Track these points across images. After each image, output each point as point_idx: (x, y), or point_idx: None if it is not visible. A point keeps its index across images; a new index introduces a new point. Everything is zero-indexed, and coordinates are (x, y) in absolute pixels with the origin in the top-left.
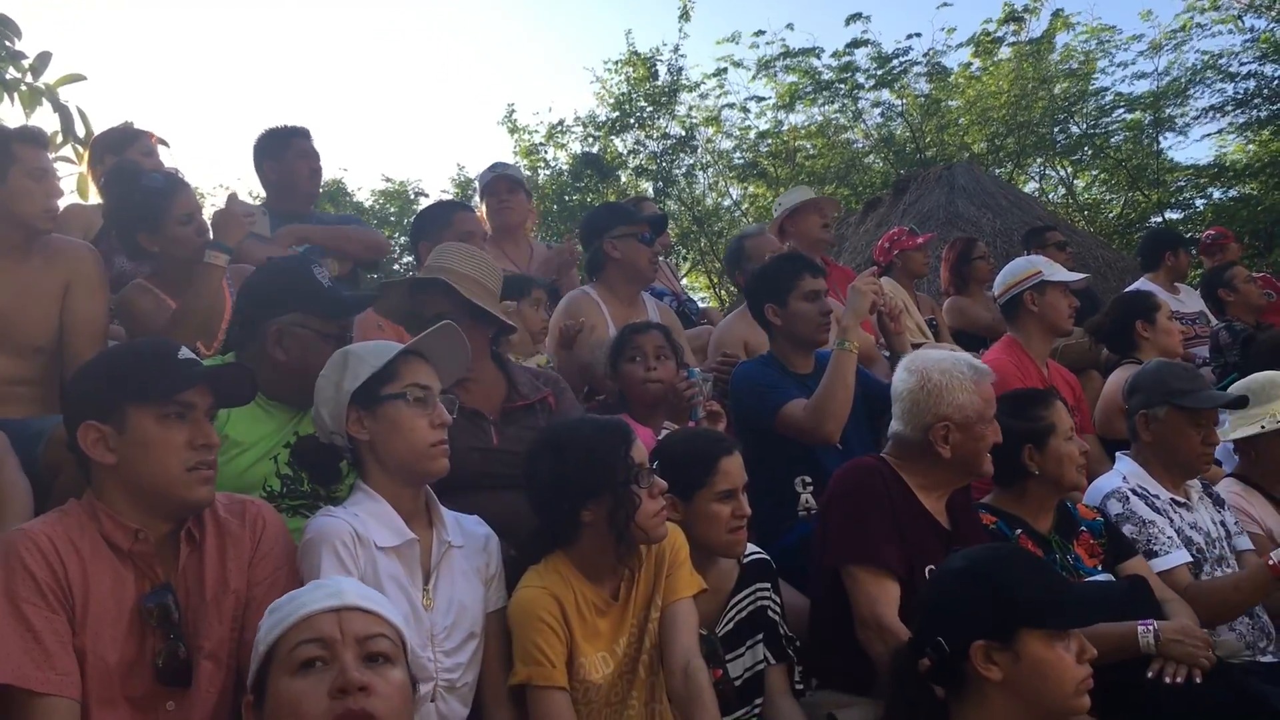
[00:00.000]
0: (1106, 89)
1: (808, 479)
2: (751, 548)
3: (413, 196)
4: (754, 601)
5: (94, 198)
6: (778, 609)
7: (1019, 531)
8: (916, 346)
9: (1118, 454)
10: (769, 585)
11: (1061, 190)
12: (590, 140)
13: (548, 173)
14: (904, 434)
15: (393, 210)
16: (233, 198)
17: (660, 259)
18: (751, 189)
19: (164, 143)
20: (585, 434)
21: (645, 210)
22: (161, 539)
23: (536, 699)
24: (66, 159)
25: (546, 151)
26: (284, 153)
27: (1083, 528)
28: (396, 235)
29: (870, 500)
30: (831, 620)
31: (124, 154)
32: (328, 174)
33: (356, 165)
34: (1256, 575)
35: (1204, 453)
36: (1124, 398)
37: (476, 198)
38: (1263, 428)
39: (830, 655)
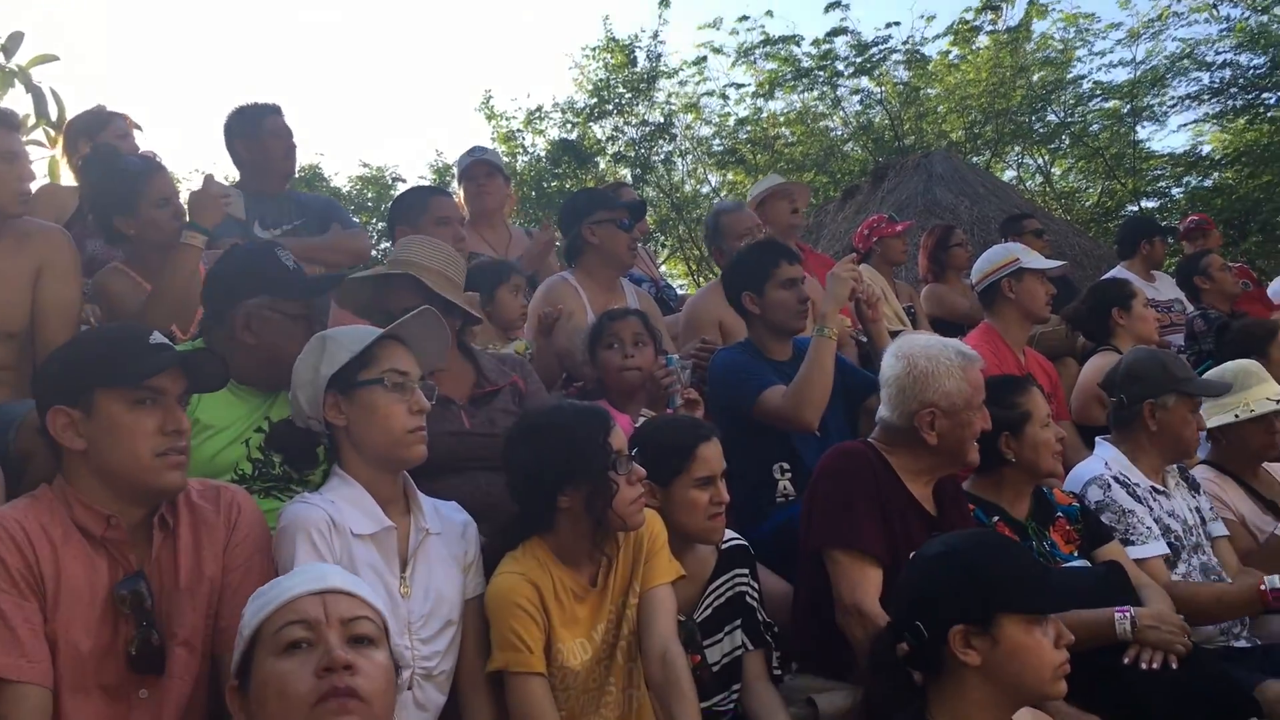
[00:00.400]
0: (1084, 76)
1: (786, 466)
2: (730, 534)
3: (390, 182)
4: (732, 587)
5: (66, 180)
6: (756, 595)
7: (996, 518)
8: (894, 334)
9: (1098, 439)
10: (747, 571)
11: (1039, 178)
12: (568, 127)
13: (526, 159)
14: (891, 420)
15: (370, 196)
16: (209, 179)
17: (639, 245)
18: (730, 176)
19: (137, 126)
20: (564, 420)
21: (624, 196)
22: (134, 525)
23: (514, 685)
24: (38, 142)
25: (525, 138)
26: (256, 131)
27: (1059, 514)
28: (374, 221)
29: (856, 485)
30: (812, 604)
31: (98, 137)
32: (304, 158)
33: (334, 151)
34: (1245, 595)
35: (1198, 437)
36: (1111, 386)
37: (455, 183)
38: (1237, 416)
39: (810, 640)
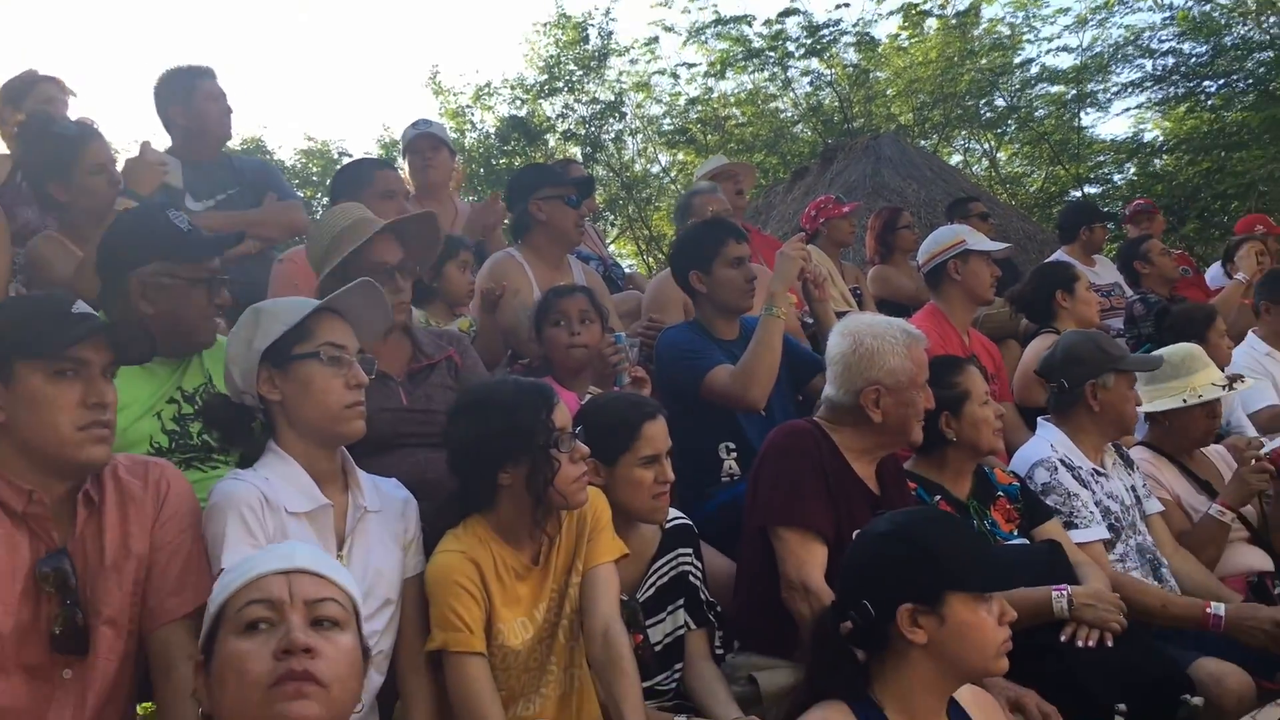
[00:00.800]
0: (1032, 60)
1: (731, 445)
2: (674, 513)
3: (336, 156)
4: (675, 567)
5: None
6: (699, 574)
7: (938, 497)
8: (840, 315)
9: (1040, 420)
10: (691, 550)
11: (985, 163)
12: (518, 103)
13: (474, 135)
14: (836, 397)
15: (315, 170)
16: (146, 146)
17: (587, 223)
18: (680, 156)
19: (71, 92)
20: (506, 395)
21: (572, 173)
22: (57, 501)
23: (453, 665)
24: None
25: (473, 114)
26: (190, 95)
27: (1000, 493)
28: (318, 195)
29: (802, 462)
30: (756, 582)
31: (29, 101)
32: (247, 130)
33: (278, 123)
34: (1189, 612)
35: (1136, 413)
36: (1050, 371)
37: (400, 158)
38: (1184, 401)
39: (754, 618)
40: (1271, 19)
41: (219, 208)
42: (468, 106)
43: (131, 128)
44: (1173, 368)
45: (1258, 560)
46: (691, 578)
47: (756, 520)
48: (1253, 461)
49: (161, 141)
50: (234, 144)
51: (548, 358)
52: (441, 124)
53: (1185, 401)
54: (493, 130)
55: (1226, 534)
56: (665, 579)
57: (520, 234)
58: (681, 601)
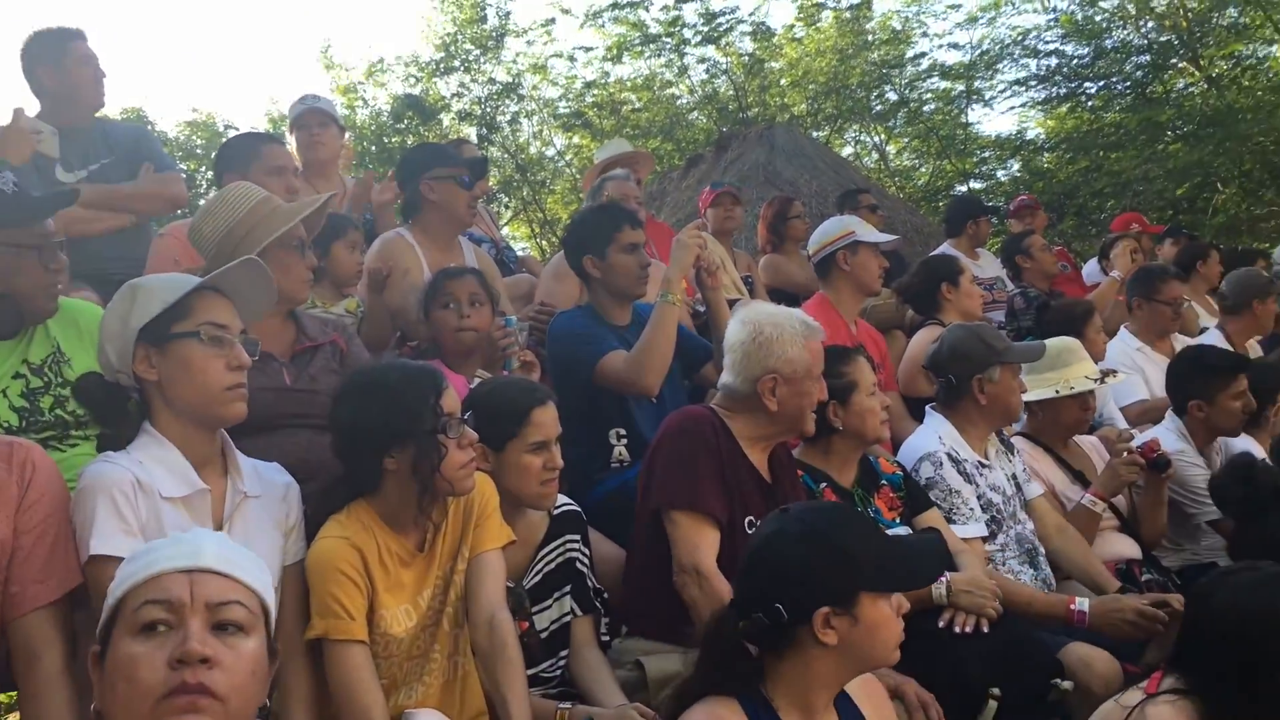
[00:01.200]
0: (923, 55)
1: (622, 431)
2: (562, 499)
3: (222, 129)
4: (563, 553)
5: None
6: (586, 561)
7: (824, 485)
8: (732, 303)
9: (928, 409)
10: (579, 537)
11: (875, 156)
12: (412, 81)
13: (366, 112)
14: (733, 385)
15: (199, 143)
16: (19, 113)
17: (480, 205)
18: (576, 139)
19: None
20: (393, 379)
21: (466, 153)
22: None
23: (334, 653)
24: None
25: (365, 90)
26: (61, 58)
27: (884, 481)
28: (202, 169)
29: (699, 447)
30: (647, 567)
31: None
32: (127, 99)
33: (161, 94)
34: (1054, 608)
35: (1021, 402)
36: (938, 367)
37: (288, 133)
38: (1057, 392)
39: (643, 602)
40: (1149, 24)
41: (91, 179)
42: (360, 83)
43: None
44: (1050, 360)
45: (1127, 548)
46: (579, 564)
47: (650, 503)
48: (1124, 454)
49: (31, 108)
50: (113, 113)
51: (436, 340)
52: (331, 100)
53: (1058, 392)
54: (385, 108)
55: (1098, 523)
56: (552, 565)
57: (411, 214)
58: (568, 588)
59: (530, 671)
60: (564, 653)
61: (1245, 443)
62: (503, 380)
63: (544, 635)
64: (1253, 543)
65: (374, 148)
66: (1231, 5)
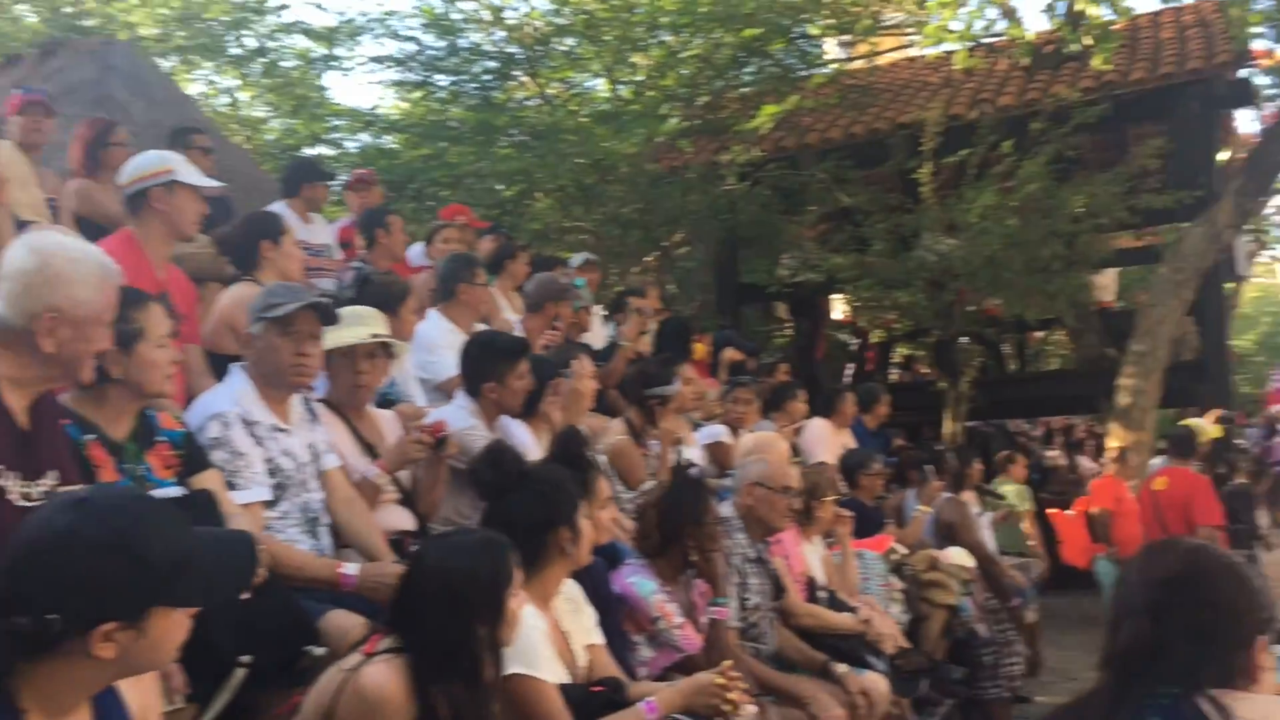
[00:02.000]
0: (288, 6)
1: None
2: None
3: None
4: None
5: None
6: None
7: (92, 437)
8: (25, 225)
9: (232, 366)
10: None
11: (228, 100)
12: None
13: None
14: (5, 318)
15: None
16: None
17: None
18: None
19: None
20: None
21: None
22: None
23: None
24: None
25: None
26: None
27: (162, 438)
28: None
29: None
30: None
31: None
32: None
33: None
34: (323, 572)
35: (295, 364)
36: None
37: None
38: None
39: None
40: (500, 34)
41: None
42: None
43: None
44: (344, 319)
45: (404, 520)
46: None
47: None
48: (414, 433)
49: None
50: None
51: None
52: None
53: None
54: None
55: (379, 494)
56: None
57: None
58: None
59: None
60: None
61: (519, 427)
62: None
63: None
64: (498, 521)
65: None
66: (570, 35)
